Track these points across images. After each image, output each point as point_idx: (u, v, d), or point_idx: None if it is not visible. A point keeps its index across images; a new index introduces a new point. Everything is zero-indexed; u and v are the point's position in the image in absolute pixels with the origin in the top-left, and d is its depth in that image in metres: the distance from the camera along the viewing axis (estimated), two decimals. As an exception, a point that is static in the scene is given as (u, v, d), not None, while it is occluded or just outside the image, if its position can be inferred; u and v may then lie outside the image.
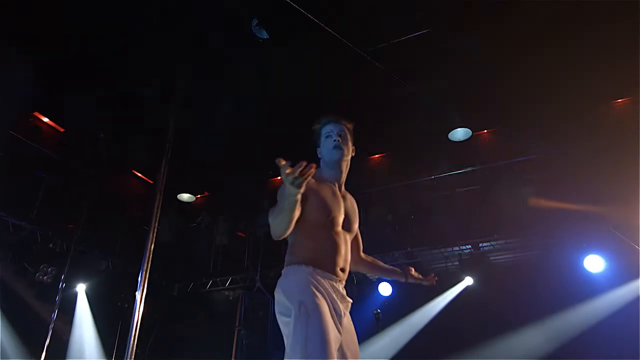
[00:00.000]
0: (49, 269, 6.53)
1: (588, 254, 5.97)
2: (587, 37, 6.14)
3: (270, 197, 9.55)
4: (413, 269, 2.54)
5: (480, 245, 6.80)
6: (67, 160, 7.48)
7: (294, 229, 1.93)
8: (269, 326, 6.71)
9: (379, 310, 5.95)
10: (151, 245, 3.10)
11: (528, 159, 7.21)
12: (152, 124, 7.56)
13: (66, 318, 6.76)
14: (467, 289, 6.51)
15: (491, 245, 6.79)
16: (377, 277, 7.54)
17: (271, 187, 10.44)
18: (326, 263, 2.04)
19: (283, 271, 2.08)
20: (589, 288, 5.80)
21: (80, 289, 7.17)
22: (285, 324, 1.92)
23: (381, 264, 2.56)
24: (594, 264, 5.87)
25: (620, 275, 5.71)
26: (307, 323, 1.79)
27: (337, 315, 1.94)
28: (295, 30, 5.97)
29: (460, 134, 8.11)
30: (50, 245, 6.93)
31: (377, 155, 9.67)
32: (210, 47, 6.22)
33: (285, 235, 1.92)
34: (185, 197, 10.24)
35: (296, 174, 1.64)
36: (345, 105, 7.19)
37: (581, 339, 5.60)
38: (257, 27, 6.13)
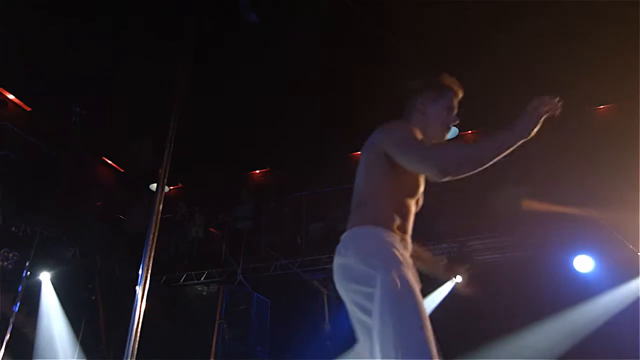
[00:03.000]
0: (10, 254, 5.98)
1: (577, 254, 5.97)
2: (572, 43, 6.23)
3: (249, 190, 9.31)
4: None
5: (470, 243, 6.73)
6: (34, 139, 6.96)
7: (381, 183, 1.75)
8: (250, 320, 6.39)
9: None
10: (154, 236, 2.78)
11: (512, 159, 7.20)
12: (132, 111, 7.22)
13: (25, 309, 6.22)
14: (457, 288, 6.39)
15: (481, 243, 6.74)
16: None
17: (250, 180, 10.15)
18: (406, 236, 1.81)
19: (360, 230, 1.73)
20: (579, 288, 5.79)
21: (45, 277, 6.62)
22: (366, 296, 1.56)
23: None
24: (584, 264, 5.87)
25: (610, 275, 5.73)
26: (410, 295, 1.49)
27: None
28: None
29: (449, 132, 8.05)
30: (13, 229, 6.38)
31: (358, 152, 9.54)
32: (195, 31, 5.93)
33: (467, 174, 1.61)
34: (155, 187, 9.76)
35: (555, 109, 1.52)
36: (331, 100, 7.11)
37: (573, 339, 5.56)
38: (247, 10, 5.88)
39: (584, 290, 5.80)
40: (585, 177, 6.21)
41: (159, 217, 2.92)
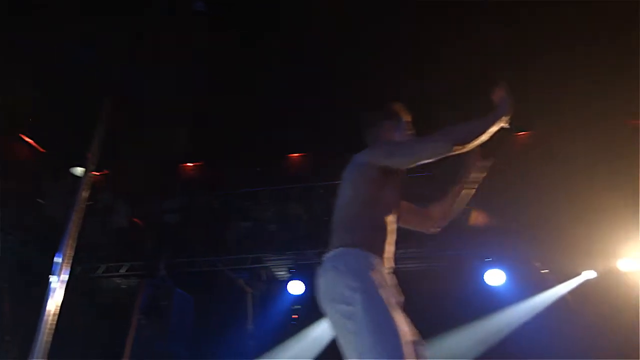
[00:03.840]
0: None
1: (489, 268, 6.41)
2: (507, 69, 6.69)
3: (179, 182, 9.06)
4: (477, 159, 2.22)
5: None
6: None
7: (363, 206, 1.91)
8: (171, 317, 6.21)
9: (297, 307, 5.85)
10: (76, 224, 2.65)
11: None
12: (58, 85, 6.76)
13: None
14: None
15: (403, 251, 7.00)
16: (288, 275, 7.42)
17: (181, 172, 9.87)
18: (386, 254, 1.95)
19: (340, 252, 1.86)
20: (491, 299, 6.24)
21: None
22: (346, 314, 1.69)
23: (446, 201, 2.32)
24: (495, 277, 6.32)
25: (520, 289, 6.22)
26: (385, 318, 1.64)
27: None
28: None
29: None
30: None
31: (296, 154, 9.63)
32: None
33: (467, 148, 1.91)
34: (79, 171, 9.22)
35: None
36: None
37: (484, 346, 5.99)
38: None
39: (496, 301, 6.28)
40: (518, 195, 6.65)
41: (83, 204, 2.79)
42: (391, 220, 2.00)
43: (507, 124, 1.94)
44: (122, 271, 7.63)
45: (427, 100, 6.74)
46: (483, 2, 5.41)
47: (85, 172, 2.93)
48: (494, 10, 5.51)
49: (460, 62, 6.04)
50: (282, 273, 7.89)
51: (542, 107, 6.68)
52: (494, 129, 1.91)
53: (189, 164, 10.02)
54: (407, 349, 1.60)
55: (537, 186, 6.33)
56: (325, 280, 1.82)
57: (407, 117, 2.31)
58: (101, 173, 9.86)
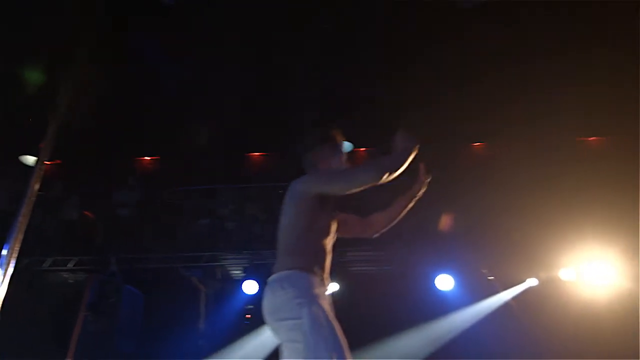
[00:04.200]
0: None
1: (440, 273, 6.63)
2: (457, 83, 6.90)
3: (135, 176, 8.83)
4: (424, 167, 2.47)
5: (348, 254, 7.09)
6: None
7: (304, 232, 2.15)
8: (120, 313, 6.04)
9: (251, 306, 5.82)
10: (25, 217, 2.56)
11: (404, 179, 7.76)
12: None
13: None
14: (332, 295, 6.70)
15: (357, 255, 7.13)
16: (243, 274, 7.39)
17: (138, 166, 9.64)
18: (324, 274, 2.20)
19: (285, 274, 2.11)
20: (440, 303, 6.46)
21: None
22: (293, 326, 1.97)
23: (396, 204, 2.54)
24: (445, 282, 6.54)
25: (467, 294, 6.47)
26: (325, 328, 1.92)
27: None
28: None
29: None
30: None
31: (256, 153, 9.61)
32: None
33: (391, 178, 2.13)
34: (30, 160, 8.83)
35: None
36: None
37: (432, 352, 6.20)
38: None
39: (445, 305, 6.51)
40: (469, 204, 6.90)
41: (34, 196, 2.70)
42: (328, 241, 2.26)
43: (417, 152, 2.22)
44: (70, 265, 7.35)
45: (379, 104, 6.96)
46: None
47: (37, 162, 2.82)
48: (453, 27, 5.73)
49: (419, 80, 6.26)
50: (237, 272, 7.85)
51: (496, 121, 6.99)
52: (410, 159, 2.18)
53: (146, 158, 9.81)
54: (348, 353, 1.89)
55: (487, 196, 6.61)
56: (274, 299, 2.08)
57: (343, 140, 2.48)
58: (52, 162, 9.48)
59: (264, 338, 6.35)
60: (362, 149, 9.13)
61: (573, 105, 6.63)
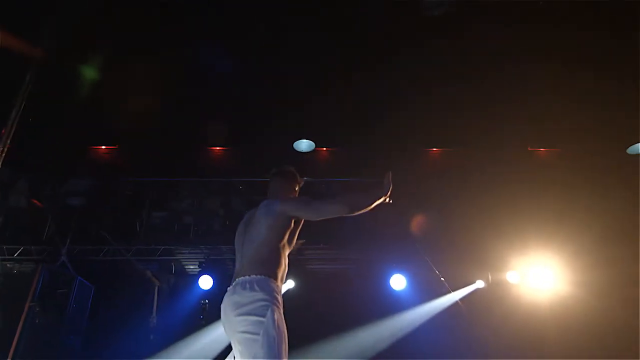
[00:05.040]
0: None
1: (394, 273, 6.81)
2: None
3: (89, 165, 8.52)
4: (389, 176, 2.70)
5: (306, 252, 7.16)
6: None
7: (275, 246, 2.58)
8: (68, 306, 5.84)
9: (206, 301, 5.77)
10: None
11: (360, 181, 7.88)
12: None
13: None
14: (288, 291, 6.76)
15: (315, 253, 7.21)
16: (198, 269, 7.31)
17: (93, 154, 9.31)
18: (283, 282, 2.64)
19: (256, 278, 2.48)
20: (394, 301, 6.65)
21: None
22: (256, 323, 2.33)
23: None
24: (398, 282, 6.73)
25: (419, 293, 6.68)
26: (281, 331, 2.34)
27: None
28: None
29: (304, 145, 8.46)
30: None
31: (218, 148, 9.47)
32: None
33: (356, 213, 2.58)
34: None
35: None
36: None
37: (385, 348, 6.37)
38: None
39: (398, 303, 6.71)
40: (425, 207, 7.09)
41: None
42: (286, 254, 2.68)
43: (388, 201, 2.60)
44: (16, 255, 7.05)
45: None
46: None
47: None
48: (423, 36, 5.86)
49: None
50: (192, 267, 7.76)
51: (454, 127, 7.21)
52: (377, 202, 2.57)
53: (102, 147, 9.47)
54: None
55: (441, 200, 6.83)
56: (241, 297, 2.42)
57: (300, 181, 3.05)
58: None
59: (217, 334, 6.32)
60: (323, 149, 9.21)
61: (525, 116, 6.93)
